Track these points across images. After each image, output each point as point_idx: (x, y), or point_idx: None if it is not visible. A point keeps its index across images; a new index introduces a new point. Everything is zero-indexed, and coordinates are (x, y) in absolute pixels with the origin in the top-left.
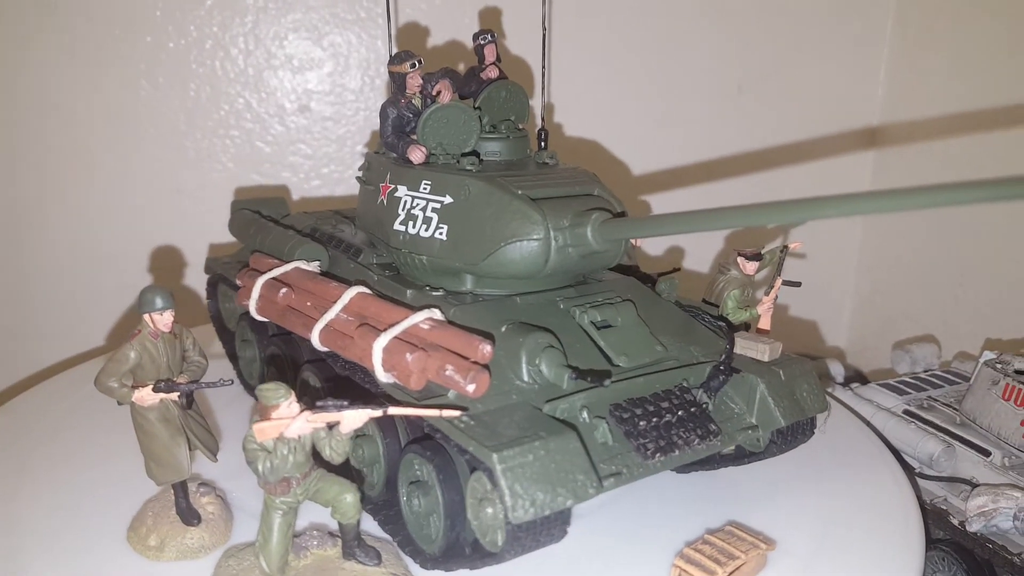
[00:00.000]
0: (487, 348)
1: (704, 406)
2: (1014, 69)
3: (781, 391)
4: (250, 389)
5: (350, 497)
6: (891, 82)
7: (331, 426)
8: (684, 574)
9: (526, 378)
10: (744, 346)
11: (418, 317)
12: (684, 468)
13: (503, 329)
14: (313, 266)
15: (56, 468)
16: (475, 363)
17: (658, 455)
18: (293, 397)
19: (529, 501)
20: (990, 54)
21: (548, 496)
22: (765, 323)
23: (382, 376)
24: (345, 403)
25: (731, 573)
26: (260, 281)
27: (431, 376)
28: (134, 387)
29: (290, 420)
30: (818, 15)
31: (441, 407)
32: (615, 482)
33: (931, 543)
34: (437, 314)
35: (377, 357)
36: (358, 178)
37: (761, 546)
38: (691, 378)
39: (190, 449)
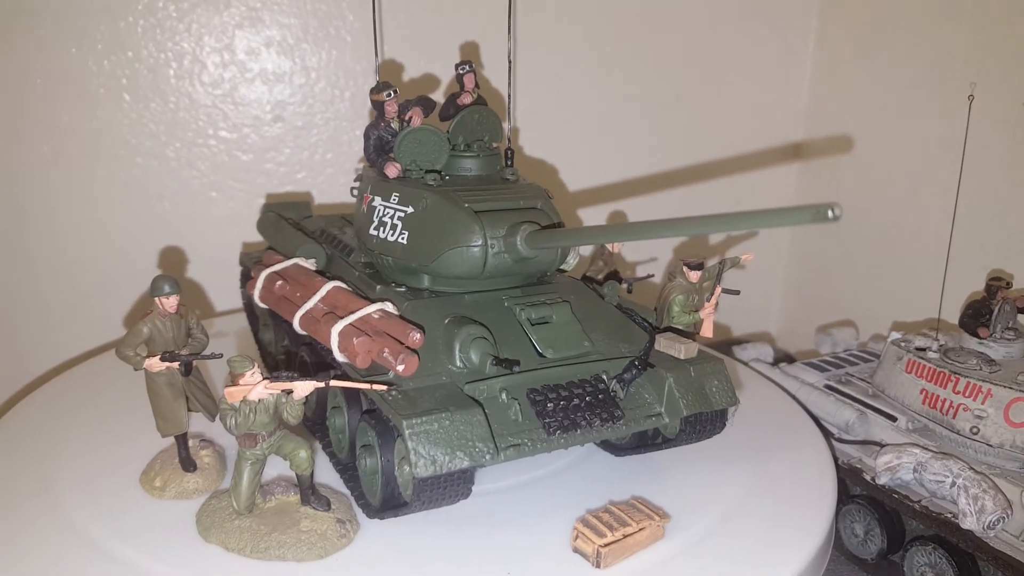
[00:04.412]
0: (416, 336)
1: (613, 394)
2: (926, 89)
3: (689, 385)
4: (271, 367)
5: (303, 452)
6: (813, 99)
7: (288, 393)
8: (581, 535)
9: (458, 363)
10: (665, 345)
11: (371, 308)
12: (619, 452)
13: (446, 321)
14: (310, 263)
15: (90, 427)
16: (407, 348)
17: (559, 432)
18: (256, 368)
19: (430, 460)
20: (904, 73)
21: (447, 458)
22: (708, 326)
23: (338, 356)
24: (295, 375)
25: (623, 538)
26: (264, 274)
27: (374, 357)
28: (146, 357)
29: (253, 386)
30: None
31: (372, 382)
32: (514, 452)
33: (850, 498)
34: (389, 307)
35: (334, 340)
36: (352, 189)
37: (655, 518)
38: (610, 370)
39: (189, 409)
